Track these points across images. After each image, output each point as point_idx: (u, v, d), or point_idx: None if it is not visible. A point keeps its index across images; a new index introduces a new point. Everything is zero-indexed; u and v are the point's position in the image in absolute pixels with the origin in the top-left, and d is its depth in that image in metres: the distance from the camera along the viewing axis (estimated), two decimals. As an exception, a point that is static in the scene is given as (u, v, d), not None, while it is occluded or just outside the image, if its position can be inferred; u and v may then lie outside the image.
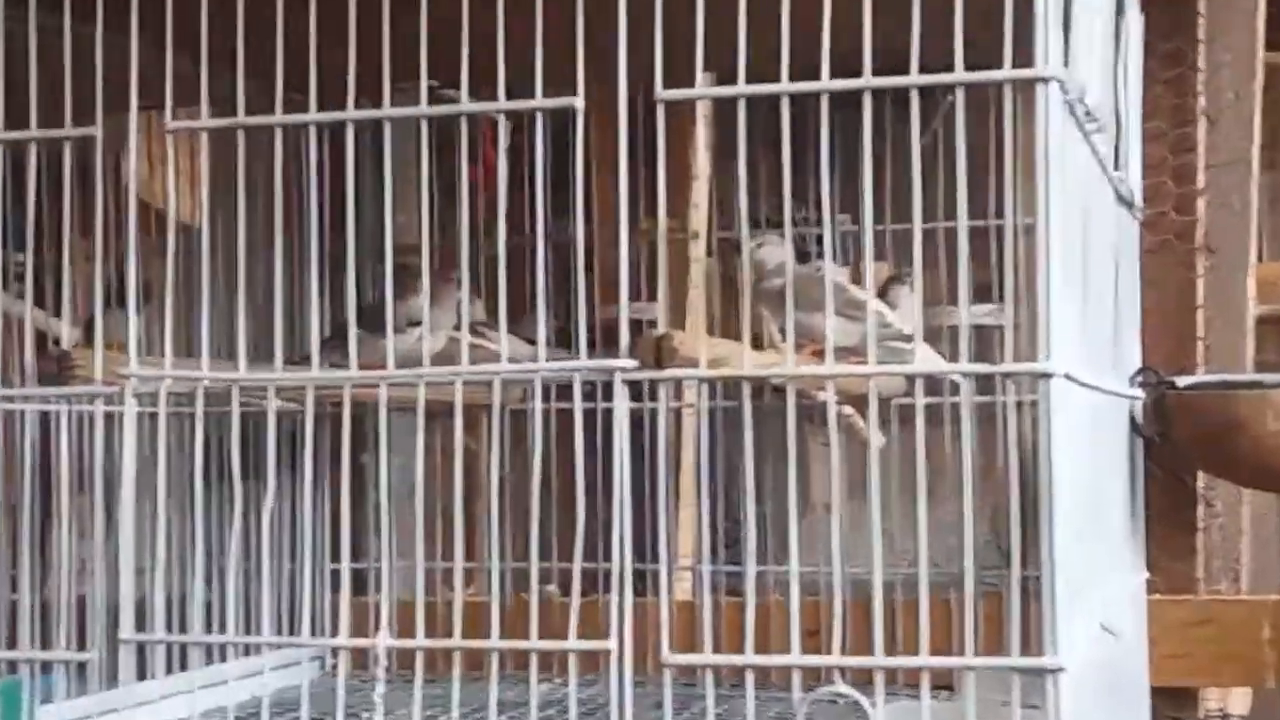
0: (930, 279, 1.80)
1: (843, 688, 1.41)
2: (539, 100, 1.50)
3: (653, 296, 2.69)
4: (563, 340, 2.57)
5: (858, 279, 2.61)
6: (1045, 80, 1.35)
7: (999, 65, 1.36)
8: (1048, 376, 1.36)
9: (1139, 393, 2.08)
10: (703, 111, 2.49)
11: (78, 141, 1.68)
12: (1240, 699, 2.59)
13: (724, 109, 1.71)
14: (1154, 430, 2.09)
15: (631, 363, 1.48)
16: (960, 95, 1.40)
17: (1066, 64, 1.41)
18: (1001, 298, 2.48)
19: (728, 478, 2.50)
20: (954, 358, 1.49)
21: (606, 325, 2.45)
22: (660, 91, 1.44)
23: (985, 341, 2.25)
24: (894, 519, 2.02)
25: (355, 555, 2.42)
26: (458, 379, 1.55)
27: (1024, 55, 1.36)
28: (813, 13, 1.40)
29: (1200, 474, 2.30)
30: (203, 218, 1.67)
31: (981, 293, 2.08)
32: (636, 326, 2.76)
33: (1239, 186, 2.49)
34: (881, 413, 2.16)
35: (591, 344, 2.61)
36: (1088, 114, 1.55)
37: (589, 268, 2.47)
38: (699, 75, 1.47)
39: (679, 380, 1.54)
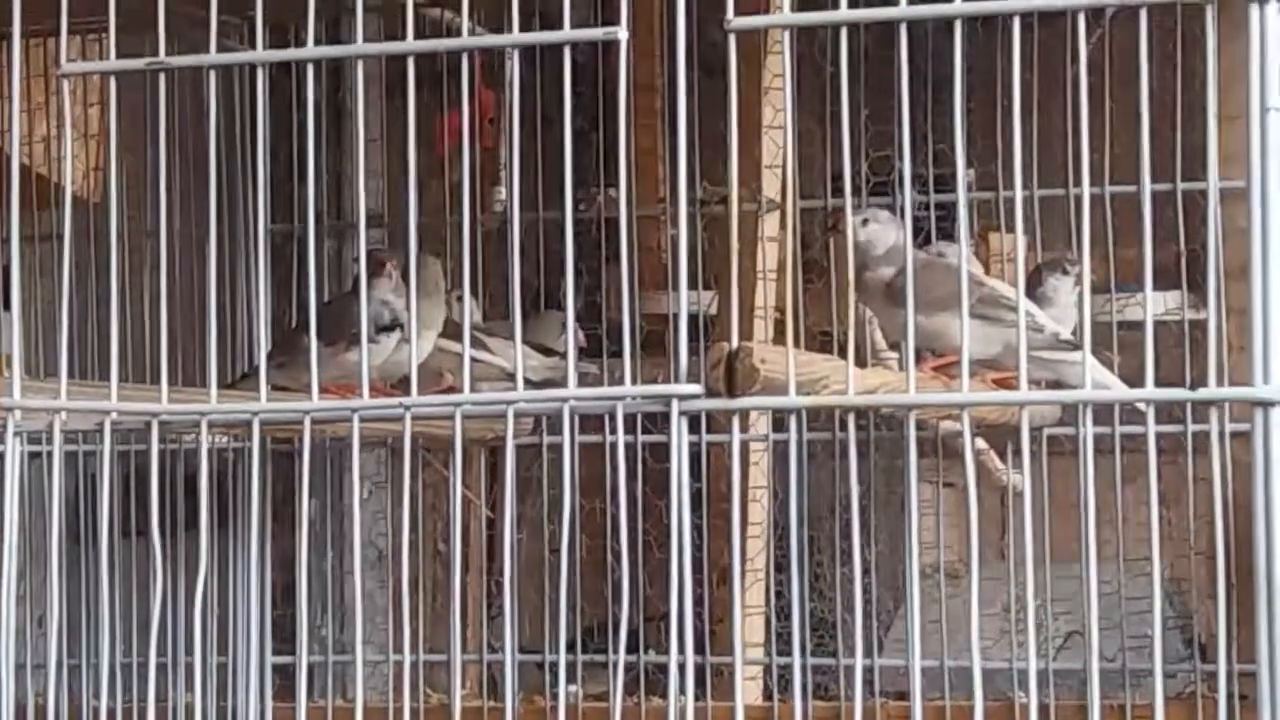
0: (1094, 260, 1.80)
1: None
2: (568, 31, 1.49)
3: (706, 285, 2.70)
4: (589, 347, 2.59)
5: (987, 263, 2.63)
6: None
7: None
8: (1268, 405, 1.36)
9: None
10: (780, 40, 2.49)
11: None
12: None
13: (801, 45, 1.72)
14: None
15: (695, 388, 1.46)
16: (1144, 16, 1.40)
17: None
18: (1191, 284, 2.47)
19: (810, 536, 2.51)
20: (1131, 374, 1.50)
21: (642, 321, 2.47)
22: (732, 19, 1.44)
23: (1168, 342, 2.23)
24: (1040, 586, 2.02)
25: (312, 645, 2.46)
26: (458, 410, 1.53)
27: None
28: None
29: None
30: (108, 187, 1.70)
31: (1165, 277, 2.06)
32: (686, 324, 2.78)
33: None
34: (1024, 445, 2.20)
35: (629, 342, 2.66)
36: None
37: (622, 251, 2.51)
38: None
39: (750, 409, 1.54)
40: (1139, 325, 1.52)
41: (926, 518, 2.44)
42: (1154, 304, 1.50)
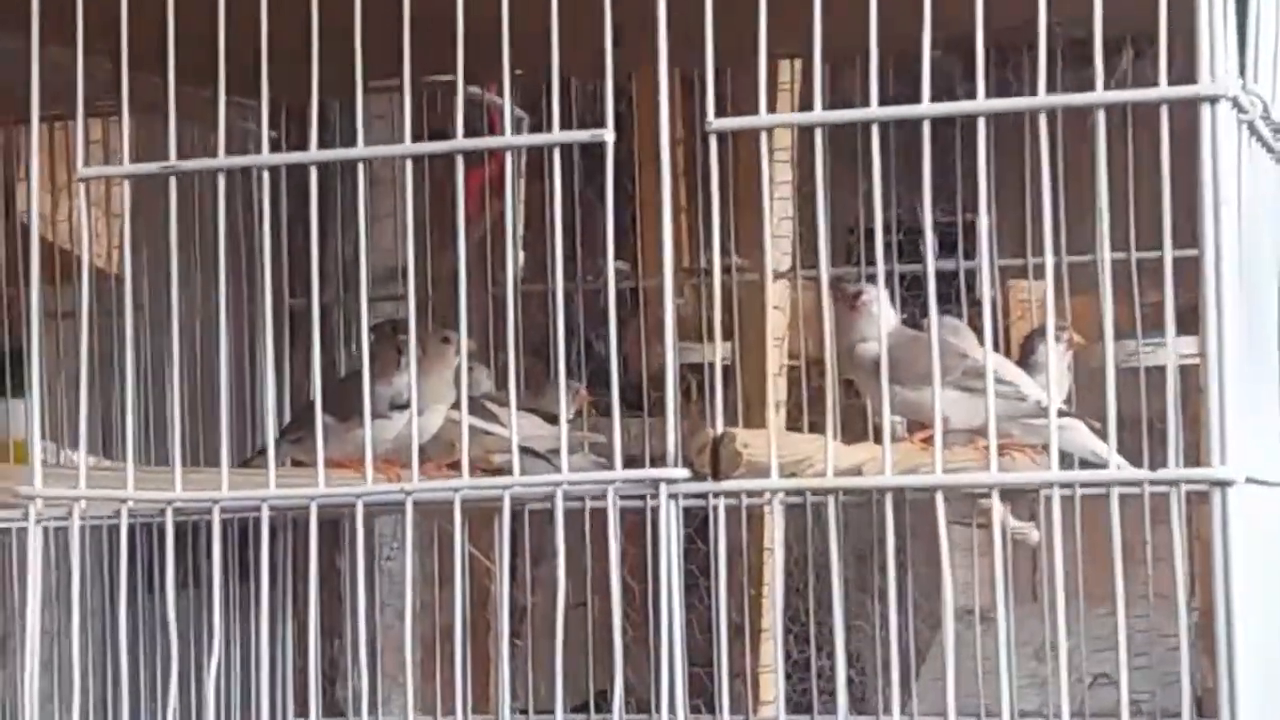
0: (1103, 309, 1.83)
1: None
2: (558, 134, 1.56)
3: (712, 335, 2.74)
4: (605, 403, 2.64)
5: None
6: (1213, 99, 1.41)
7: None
8: (1224, 486, 1.41)
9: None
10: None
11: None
12: None
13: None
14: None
15: (682, 473, 1.53)
16: (1101, 117, 1.46)
17: (1243, 75, 1.47)
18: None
19: (822, 594, 2.54)
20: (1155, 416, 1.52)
21: (656, 375, 2.50)
22: (712, 120, 1.50)
23: (1192, 383, 2.24)
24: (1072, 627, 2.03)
25: (332, 710, 2.51)
26: (457, 495, 1.60)
27: (1189, 67, 1.42)
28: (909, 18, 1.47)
29: None
30: (127, 281, 1.73)
31: (1186, 322, 2.11)
32: (696, 371, 2.81)
33: None
34: (1029, 506, 2.22)
35: (637, 405, 2.68)
36: (1276, 130, 1.60)
37: (633, 320, 2.56)
38: (761, 91, 1.54)
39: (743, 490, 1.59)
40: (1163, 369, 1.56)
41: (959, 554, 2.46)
42: (1176, 348, 1.54)
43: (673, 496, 1.53)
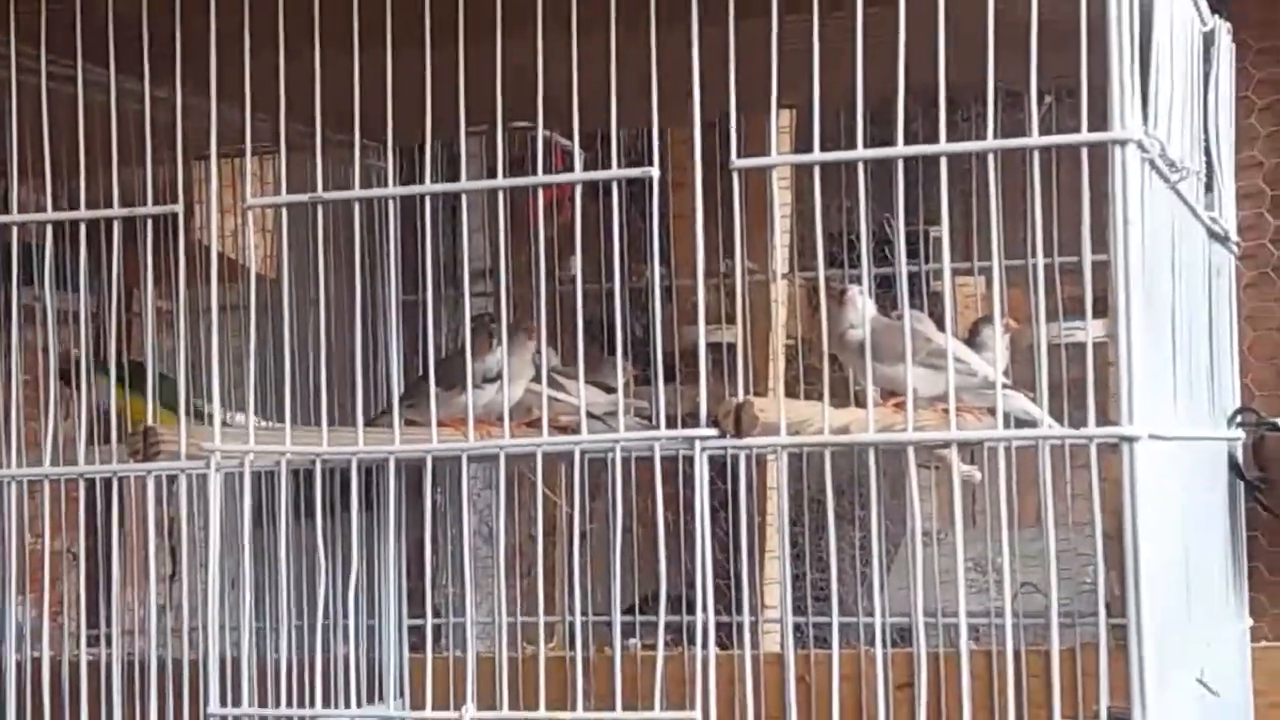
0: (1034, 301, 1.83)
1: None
2: (615, 170, 1.57)
3: (732, 319, 2.75)
4: (646, 375, 2.65)
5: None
6: (1122, 143, 1.41)
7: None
8: (1130, 441, 1.41)
9: (1239, 434, 2.12)
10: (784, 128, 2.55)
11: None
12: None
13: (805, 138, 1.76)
14: (1255, 473, 2.13)
15: (712, 432, 1.54)
16: (1034, 158, 1.46)
17: (1146, 121, 1.46)
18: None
19: (817, 525, 2.56)
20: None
21: (687, 349, 2.51)
22: (734, 160, 1.51)
23: (1104, 358, 2.25)
24: (999, 550, 2.03)
25: (434, 612, 2.53)
26: (539, 449, 1.62)
27: (1102, 114, 1.42)
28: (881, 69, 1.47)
29: (1307, 519, 2.33)
30: (283, 283, 1.74)
31: (1099, 309, 2.12)
32: (715, 351, 2.83)
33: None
34: (980, 452, 2.22)
35: (671, 377, 2.69)
36: (1171, 165, 1.60)
37: (669, 313, 2.56)
38: (774, 137, 1.55)
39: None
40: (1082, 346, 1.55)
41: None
42: (1091, 330, 1.54)
43: (704, 450, 1.54)
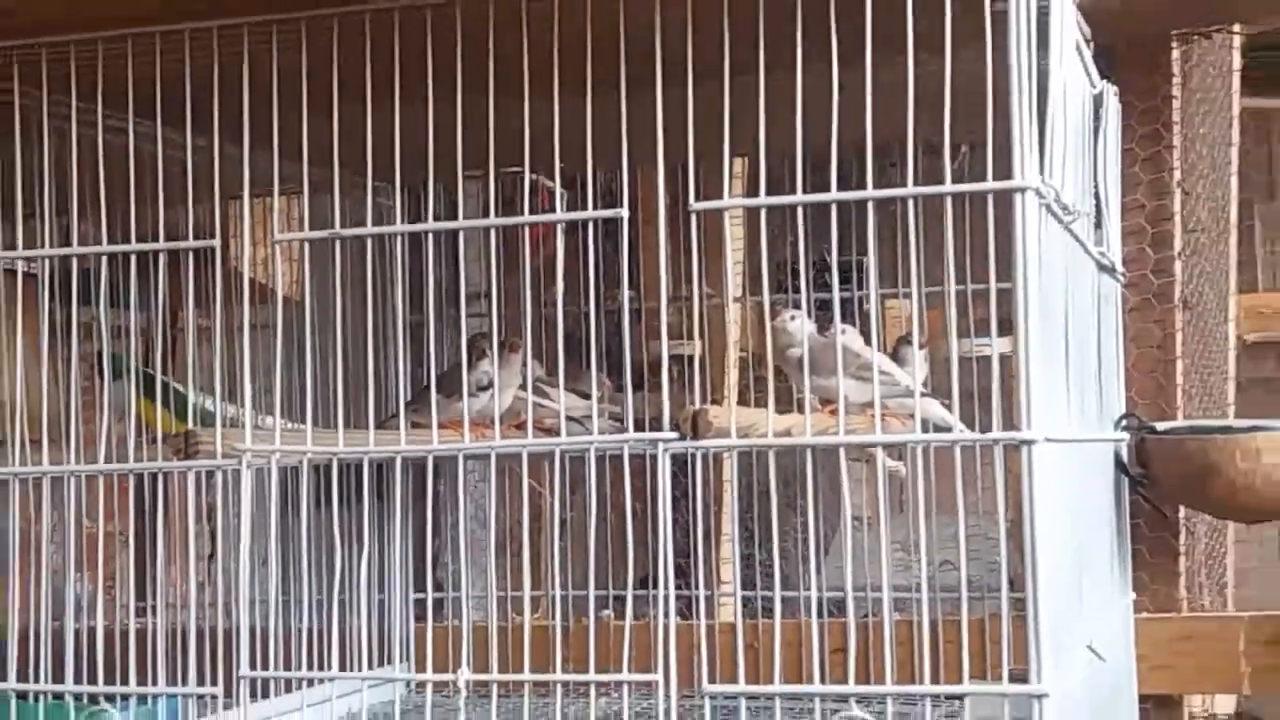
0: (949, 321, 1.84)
1: (857, 713, 1.47)
2: (591, 211, 1.58)
3: (692, 336, 2.76)
4: (618, 385, 2.65)
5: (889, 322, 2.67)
6: (1022, 190, 1.42)
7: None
8: (1029, 443, 1.42)
9: (1123, 436, 2.14)
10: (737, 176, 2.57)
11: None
12: (1225, 701, 2.64)
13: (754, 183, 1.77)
14: (1137, 470, 2.15)
15: (673, 435, 1.55)
16: (949, 201, 1.48)
17: (1043, 171, 1.47)
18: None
19: (766, 515, 2.56)
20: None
21: (653, 361, 2.51)
22: (693, 203, 1.52)
23: (1008, 370, 2.27)
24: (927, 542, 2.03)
25: (436, 587, 2.53)
26: (525, 449, 1.63)
27: (1006, 165, 1.44)
28: (821, 126, 1.49)
29: (1181, 508, 2.35)
30: (305, 305, 1.74)
31: (1004, 328, 2.14)
32: (677, 363, 2.84)
33: (1214, 251, 2.55)
34: (900, 451, 2.23)
35: (640, 386, 2.69)
36: (1065, 208, 1.61)
37: (637, 331, 2.56)
38: (726, 183, 1.56)
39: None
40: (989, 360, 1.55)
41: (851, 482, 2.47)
42: (997, 346, 1.54)
43: (666, 450, 1.54)
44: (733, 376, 2.80)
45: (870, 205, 1.51)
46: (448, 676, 1.61)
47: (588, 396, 2.29)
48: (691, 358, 2.71)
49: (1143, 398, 2.35)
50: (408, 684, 2.24)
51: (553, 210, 1.76)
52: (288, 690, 1.94)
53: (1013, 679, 1.44)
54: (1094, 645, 1.73)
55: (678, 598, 1.60)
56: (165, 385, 1.97)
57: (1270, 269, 5.95)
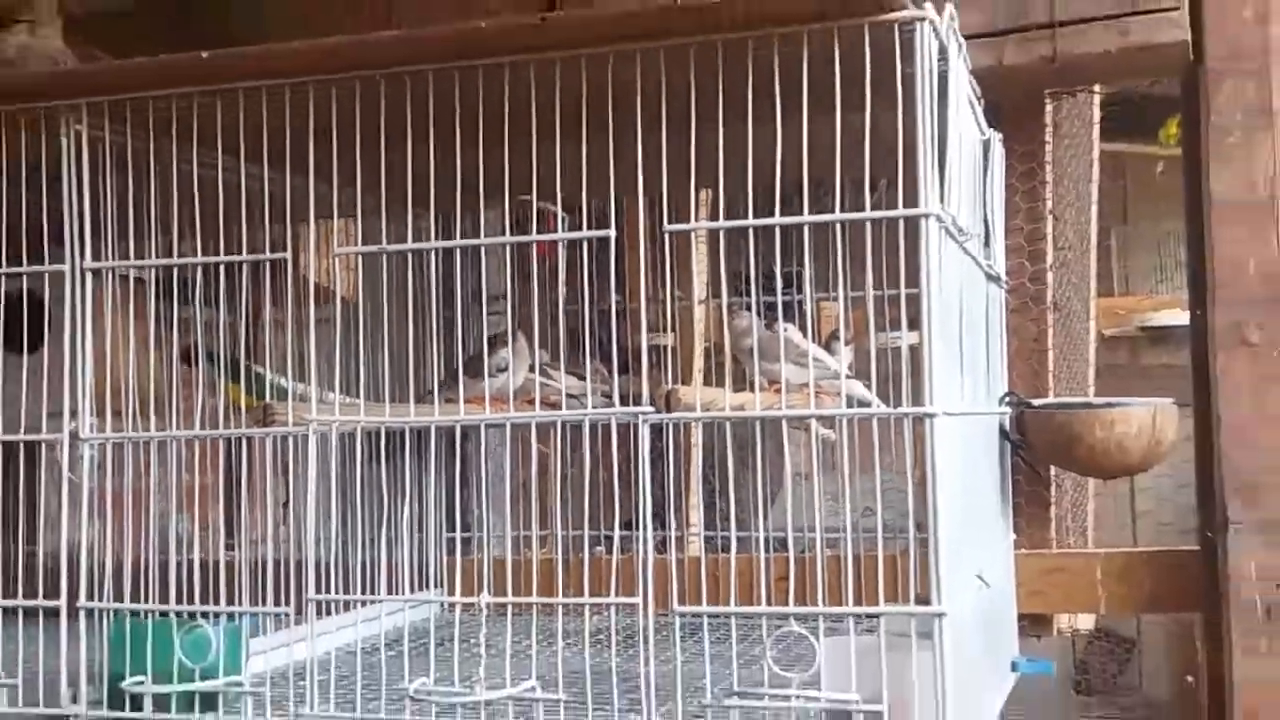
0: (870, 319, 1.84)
1: (796, 628, 1.47)
2: (585, 232, 1.58)
3: (665, 331, 2.76)
4: (612, 368, 2.64)
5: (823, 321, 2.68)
6: (926, 216, 1.43)
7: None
8: (931, 417, 1.43)
9: (1006, 410, 2.14)
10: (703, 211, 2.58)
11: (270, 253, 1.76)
12: (1086, 619, 2.66)
13: (716, 209, 1.76)
14: (1017, 437, 2.15)
15: (651, 409, 1.54)
16: (868, 228, 1.48)
17: (943, 201, 1.47)
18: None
19: (724, 473, 2.56)
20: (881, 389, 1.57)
21: (634, 352, 2.50)
22: (667, 225, 1.52)
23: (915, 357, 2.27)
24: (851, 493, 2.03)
25: (464, 528, 2.53)
26: (533, 420, 1.62)
27: (914, 196, 1.44)
28: (768, 165, 1.48)
29: (1052, 468, 2.36)
30: (360, 305, 1.74)
31: (914, 324, 2.14)
32: (656, 352, 2.85)
33: (1079, 264, 2.56)
34: (830, 422, 2.23)
35: (625, 370, 2.68)
36: (960, 230, 1.62)
37: (623, 326, 2.55)
38: (693, 209, 1.56)
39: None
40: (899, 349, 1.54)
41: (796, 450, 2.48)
42: (908, 339, 1.54)
43: (645, 421, 1.54)
44: (698, 363, 2.80)
45: (806, 228, 1.51)
46: (472, 599, 1.60)
47: (583, 378, 2.30)
48: (665, 348, 2.74)
49: (1021, 380, 2.36)
50: (441, 605, 2.25)
51: (556, 231, 1.76)
52: (345, 610, 1.95)
53: (918, 602, 1.44)
54: (982, 575, 1.74)
55: (655, 538, 1.60)
56: (247, 369, 1.97)
57: (1122, 278, 5.97)
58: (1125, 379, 4.18)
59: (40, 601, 1.67)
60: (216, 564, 1.67)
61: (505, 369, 2.10)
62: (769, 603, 1.50)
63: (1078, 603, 2.35)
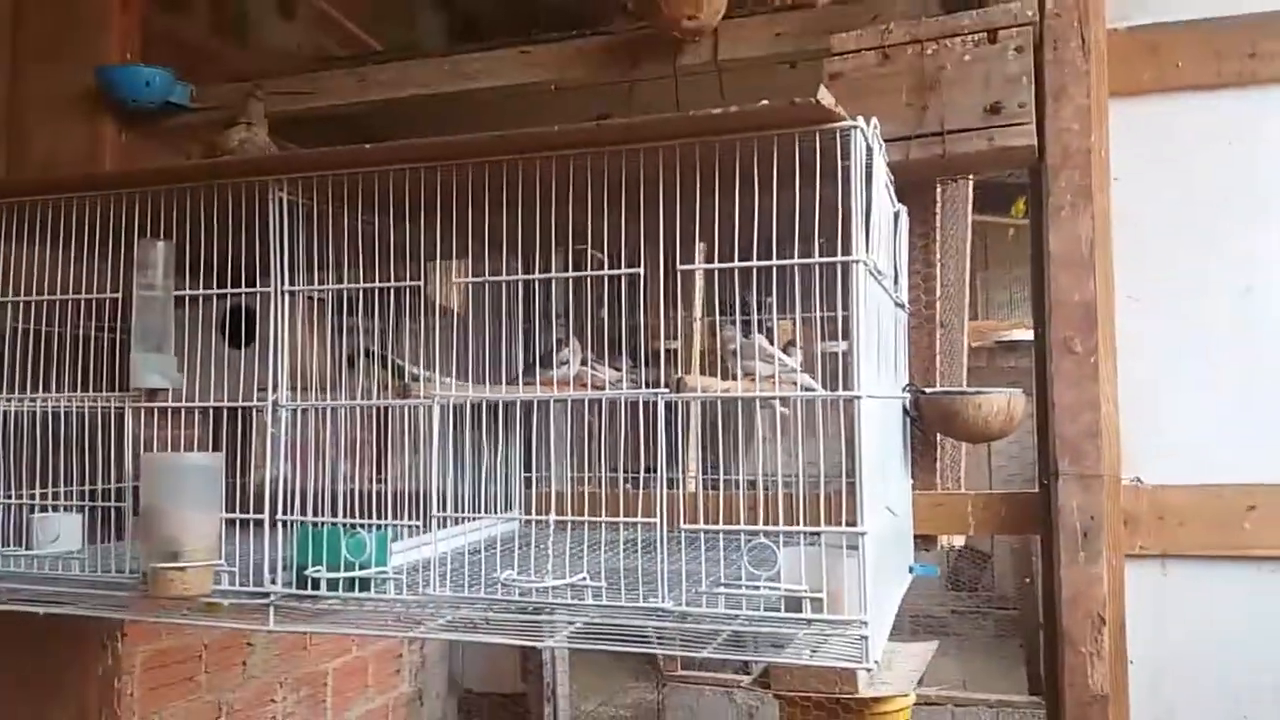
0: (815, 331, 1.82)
1: (764, 541, 1.46)
2: (621, 269, 1.55)
3: (673, 339, 2.72)
4: (638, 362, 2.61)
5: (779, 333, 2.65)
6: (857, 262, 1.41)
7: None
8: (858, 399, 1.42)
9: (907, 395, 2.12)
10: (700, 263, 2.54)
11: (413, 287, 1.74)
12: (958, 539, 2.62)
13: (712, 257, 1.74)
14: (914, 414, 2.13)
15: (666, 390, 1.53)
16: (816, 269, 1.45)
17: (868, 250, 1.46)
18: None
19: (714, 435, 2.53)
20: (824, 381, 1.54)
21: (655, 352, 2.46)
22: (679, 265, 1.50)
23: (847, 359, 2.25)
24: (801, 450, 2.01)
25: (536, 469, 2.51)
26: (586, 397, 1.60)
27: (848, 245, 1.41)
28: (746, 225, 1.46)
29: (938, 435, 2.33)
30: (468, 317, 1.72)
31: (845, 335, 2.10)
32: (670, 355, 2.81)
33: (957, 297, 2.52)
34: (791, 404, 2.21)
35: (648, 365, 2.64)
36: (879, 272, 1.60)
37: (645, 335, 2.51)
38: (698, 251, 1.53)
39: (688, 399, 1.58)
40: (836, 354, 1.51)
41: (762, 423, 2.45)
42: (840, 346, 1.51)
43: (660, 399, 1.52)
44: (696, 361, 2.78)
45: (773, 269, 1.48)
46: (544, 517, 1.59)
47: (618, 370, 2.28)
48: (674, 351, 2.71)
49: (918, 374, 2.32)
50: (520, 522, 2.24)
51: (601, 269, 1.75)
52: (457, 524, 1.94)
53: (848, 524, 1.43)
54: (891, 507, 1.73)
55: (665, 478, 1.58)
56: (392, 362, 1.95)
57: (984, 307, 5.93)
58: (987, 376, 4.15)
59: (252, 515, 1.67)
60: (369, 492, 1.66)
61: (565, 363, 2.08)
62: (745, 524, 1.48)
63: (954, 527, 2.31)
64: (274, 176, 1.67)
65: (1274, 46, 2.08)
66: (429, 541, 1.69)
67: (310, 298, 1.91)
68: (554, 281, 1.73)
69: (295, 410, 1.69)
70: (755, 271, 1.50)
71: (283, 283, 1.69)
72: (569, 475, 2.26)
